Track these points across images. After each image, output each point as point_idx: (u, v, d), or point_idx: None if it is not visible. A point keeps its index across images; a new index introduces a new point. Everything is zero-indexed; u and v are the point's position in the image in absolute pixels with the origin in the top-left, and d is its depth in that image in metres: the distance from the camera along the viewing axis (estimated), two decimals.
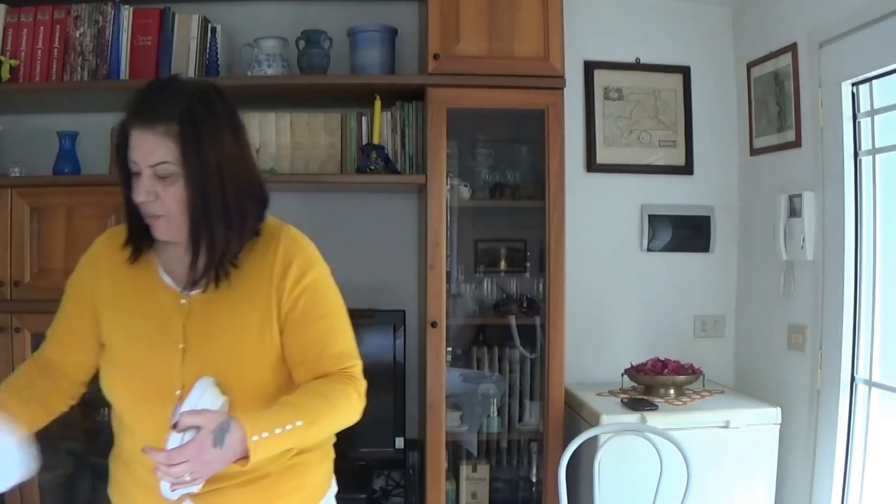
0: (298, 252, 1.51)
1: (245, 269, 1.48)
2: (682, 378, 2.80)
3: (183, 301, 1.47)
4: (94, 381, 1.55)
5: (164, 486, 1.32)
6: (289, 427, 1.35)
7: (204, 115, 1.40)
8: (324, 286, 1.54)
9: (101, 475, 2.88)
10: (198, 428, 1.28)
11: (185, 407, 1.34)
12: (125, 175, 1.43)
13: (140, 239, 1.49)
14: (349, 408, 1.48)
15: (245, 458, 1.31)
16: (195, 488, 1.34)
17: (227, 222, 1.42)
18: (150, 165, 1.38)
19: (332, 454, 1.65)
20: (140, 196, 1.39)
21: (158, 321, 1.47)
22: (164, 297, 1.48)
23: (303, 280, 1.49)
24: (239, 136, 1.46)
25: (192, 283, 1.45)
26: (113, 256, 1.52)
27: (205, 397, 1.37)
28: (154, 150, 1.37)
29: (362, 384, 1.52)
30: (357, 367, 1.53)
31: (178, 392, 1.41)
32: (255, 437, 1.30)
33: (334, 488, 1.66)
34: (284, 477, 1.50)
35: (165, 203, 1.40)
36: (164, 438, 1.29)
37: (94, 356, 1.53)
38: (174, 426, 1.29)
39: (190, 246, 1.44)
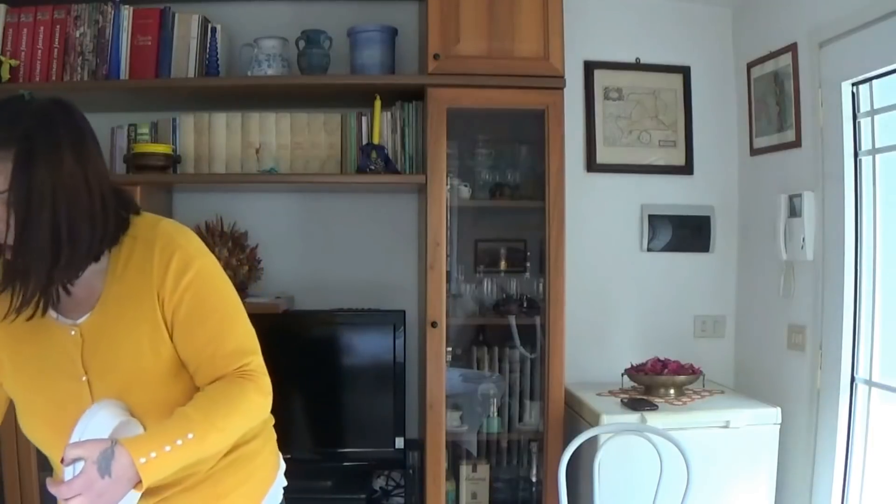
0: (175, 249, 1.41)
1: (126, 282, 1.40)
2: (682, 378, 2.80)
3: (73, 332, 1.41)
4: None
5: None
6: (179, 442, 1.29)
7: (41, 136, 1.30)
8: (208, 280, 1.44)
9: None
10: (84, 460, 1.23)
11: (73, 437, 1.30)
12: None
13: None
14: (249, 408, 1.41)
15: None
16: None
17: (55, 251, 1.31)
18: None
19: (273, 436, 1.62)
20: None
21: (57, 359, 1.41)
22: (55, 333, 1.41)
23: (184, 278, 1.40)
24: (83, 155, 1.34)
25: (13, 313, 1.34)
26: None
27: (93, 424, 1.32)
28: None
29: (262, 379, 1.44)
30: (253, 362, 1.44)
31: None
32: (142, 460, 1.25)
33: (283, 466, 1.64)
34: (228, 472, 1.48)
35: (12, 230, 1.30)
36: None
37: None
38: (62, 461, 1.25)
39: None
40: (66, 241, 1.31)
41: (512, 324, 2.92)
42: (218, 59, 2.81)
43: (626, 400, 2.74)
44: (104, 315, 1.41)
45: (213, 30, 2.81)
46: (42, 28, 2.73)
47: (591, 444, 2.49)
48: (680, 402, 2.73)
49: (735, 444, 2.64)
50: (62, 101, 1.38)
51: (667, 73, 3.20)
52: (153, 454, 1.26)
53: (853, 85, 2.54)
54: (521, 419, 2.95)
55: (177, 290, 1.40)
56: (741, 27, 3.19)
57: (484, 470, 2.91)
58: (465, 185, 2.92)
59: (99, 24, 2.74)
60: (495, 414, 2.92)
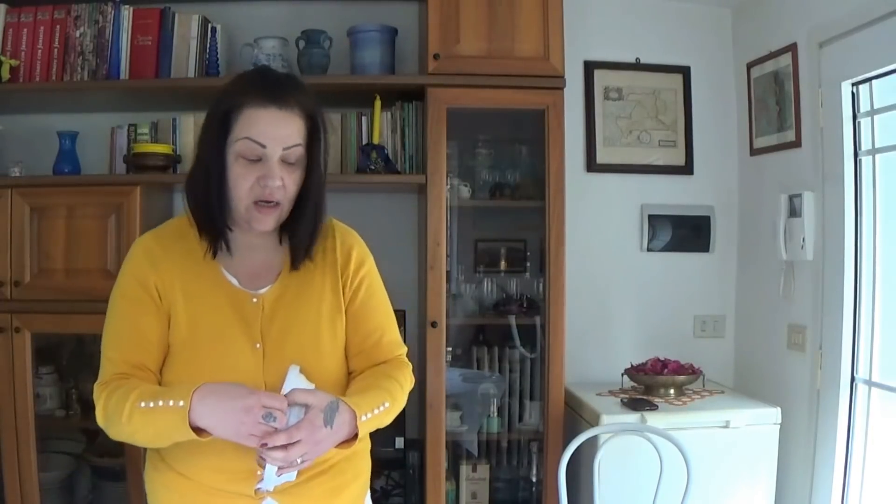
0: (355, 243, 1.59)
1: (307, 262, 1.52)
2: (682, 378, 2.80)
3: (255, 300, 1.47)
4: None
5: (269, 474, 1.31)
6: (380, 409, 1.42)
7: (322, 122, 1.46)
8: (376, 277, 1.61)
9: (100, 475, 2.90)
10: (307, 407, 1.30)
11: (285, 390, 1.34)
12: (221, 163, 1.40)
13: (218, 235, 1.46)
14: (407, 391, 1.56)
15: (345, 441, 1.36)
16: (291, 477, 1.37)
17: (320, 212, 1.50)
18: (284, 148, 1.40)
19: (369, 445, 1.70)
20: (275, 181, 1.39)
21: (235, 322, 1.45)
22: (235, 298, 1.46)
23: (361, 270, 1.56)
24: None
25: (293, 266, 1.48)
26: (172, 257, 1.46)
27: (299, 383, 1.38)
28: (291, 133, 1.40)
29: (410, 370, 1.61)
30: (405, 354, 1.62)
31: None
32: (363, 418, 1.37)
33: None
34: (347, 466, 1.54)
35: (287, 189, 1.42)
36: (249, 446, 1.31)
37: (162, 358, 1.47)
38: (284, 394, 1.32)
39: (283, 234, 1.49)
40: (323, 205, 1.50)
41: (512, 324, 2.92)
42: (218, 59, 2.81)
43: (626, 400, 2.74)
44: (286, 287, 1.50)
45: (213, 30, 2.81)
46: (42, 28, 2.73)
47: (591, 444, 2.49)
48: (680, 402, 2.73)
49: (735, 444, 2.64)
50: None
51: (667, 73, 3.20)
52: (368, 415, 1.39)
53: (853, 85, 2.55)
54: (521, 419, 2.95)
55: (356, 277, 1.55)
56: (741, 27, 3.20)
57: (484, 470, 2.91)
58: (465, 185, 2.91)
59: (99, 24, 2.74)
60: (495, 414, 2.92)
